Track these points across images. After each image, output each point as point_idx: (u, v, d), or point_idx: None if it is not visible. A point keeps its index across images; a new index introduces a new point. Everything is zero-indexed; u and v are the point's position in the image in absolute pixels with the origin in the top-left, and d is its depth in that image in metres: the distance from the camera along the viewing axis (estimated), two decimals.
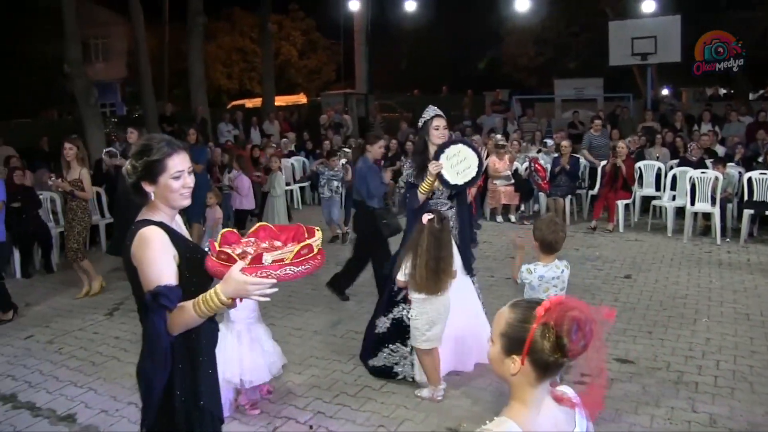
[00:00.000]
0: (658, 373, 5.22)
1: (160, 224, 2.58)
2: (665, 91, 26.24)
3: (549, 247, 4.28)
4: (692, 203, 9.92)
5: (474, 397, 4.87)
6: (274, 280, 2.30)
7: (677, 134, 13.25)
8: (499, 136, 13.08)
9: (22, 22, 24.20)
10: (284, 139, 15.94)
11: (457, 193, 5.17)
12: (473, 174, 5.04)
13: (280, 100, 25.61)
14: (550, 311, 1.77)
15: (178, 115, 18.48)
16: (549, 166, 11.56)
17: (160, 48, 25.02)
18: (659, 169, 11.21)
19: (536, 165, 11.36)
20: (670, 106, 18.95)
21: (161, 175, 2.59)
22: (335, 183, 10.34)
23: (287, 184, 13.52)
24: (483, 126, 17.96)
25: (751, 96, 23.86)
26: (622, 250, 9.42)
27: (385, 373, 5.18)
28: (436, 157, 5.00)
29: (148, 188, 2.60)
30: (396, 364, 5.17)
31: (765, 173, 9.73)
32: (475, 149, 5.10)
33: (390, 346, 5.18)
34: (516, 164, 11.88)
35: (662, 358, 5.51)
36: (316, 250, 2.43)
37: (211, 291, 2.37)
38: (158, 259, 2.48)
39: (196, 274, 2.58)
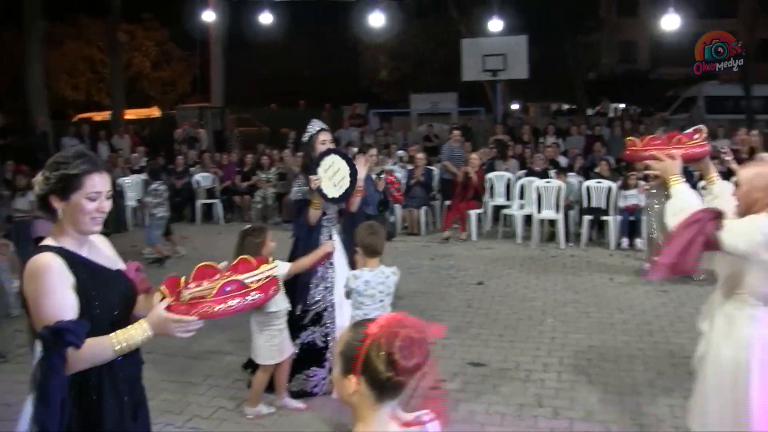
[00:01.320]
0: (509, 373, 5.43)
1: (60, 250, 2.34)
2: (514, 106, 27.55)
3: (371, 251, 4.23)
4: (539, 211, 10.48)
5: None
6: (193, 318, 2.24)
7: (525, 146, 13.93)
8: (355, 149, 13.20)
9: None
10: (134, 154, 15.33)
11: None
12: (347, 184, 4.90)
13: (132, 114, 24.61)
14: (381, 329, 1.76)
15: (13, 128, 17.31)
16: (400, 176, 11.82)
17: None
18: (509, 179, 11.73)
19: (389, 177, 11.57)
20: (518, 120, 19.92)
21: (75, 192, 2.35)
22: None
23: (138, 201, 13.08)
24: (340, 139, 18.09)
25: (589, 112, 25.48)
26: (475, 257, 9.76)
27: (303, 395, 5.00)
28: (313, 171, 4.86)
29: (57, 204, 2.36)
30: (315, 386, 5.00)
31: (601, 182, 10.42)
32: (346, 157, 5.02)
33: (305, 371, 5.00)
34: (373, 176, 12.01)
35: (512, 358, 5.74)
36: (255, 285, 2.35)
37: (137, 326, 2.27)
38: (55, 291, 2.26)
39: (99, 296, 2.37)
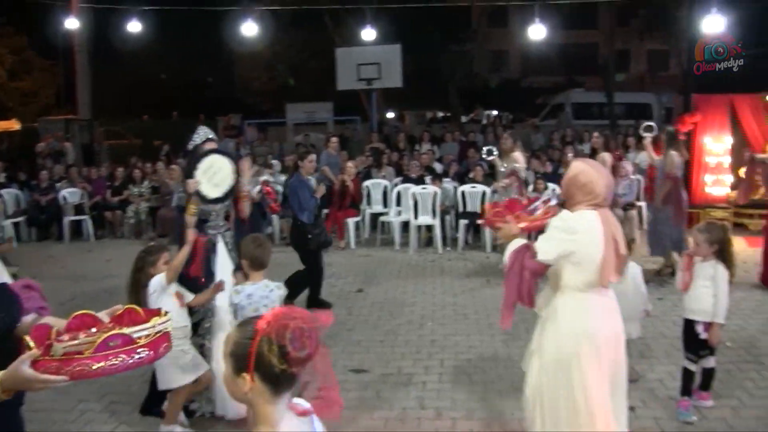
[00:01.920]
0: (391, 378, 5.46)
1: None
2: (390, 115, 27.92)
3: (257, 264, 4.13)
4: (416, 217, 10.63)
5: None
6: (64, 379, 1.96)
7: (401, 154, 14.13)
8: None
9: None
10: None
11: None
12: (230, 182, 4.77)
13: None
14: (270, 323, 1.76)
15: None
16: (279, 187, 11.71)
17: None
18: (385, 186, 11.84)
19: (266, 188, 11.44)
20: (394, 128, 20.20)
21: None
22: None
23: None
24: None
25: (463, 119, 26.18)
26: (354, 265, 9.79)
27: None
28: (191, 175, 4.72)
29: None
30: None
31: (475, 187, 10.70)
32: (227, 155, 4.90)
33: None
34: (248, 187, 11.83)
35: (394, 363, 5.77)
36: (143, 341, 2.08)
37: None
38: None
39: None
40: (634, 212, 10.27)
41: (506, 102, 30.01)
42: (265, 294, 4.06)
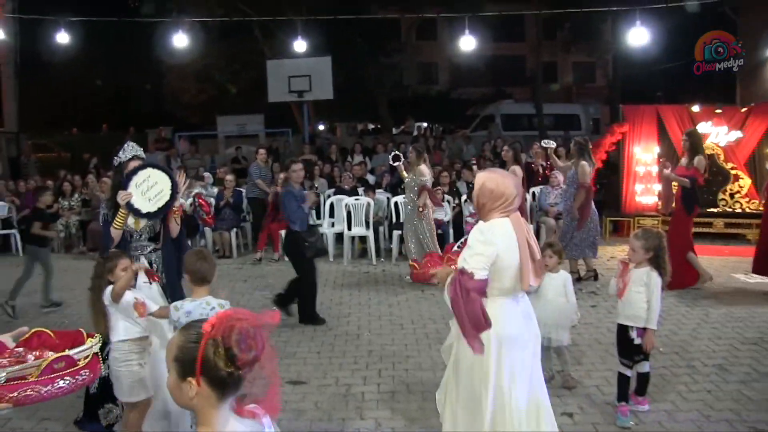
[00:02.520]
0: (329, 389, 5.46)
1: None
2: (321, 127, 27.95)
3: (199, 278, 3.96)
4: (349, 228, 10.67)
5: None
6: (10, 406, 1.90)
7: (333, 165, 14.16)
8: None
9: None
10: None
11: (158, 232, 4.84)
12: (167, 197, 4.65)
13: None
14: (216, 326, 1.75)
15: None
16: (213, 201, 11.62)
17: None
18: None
19: (200, 200, 11.34)
20: (326, 140, 20.21)
21: None
22: None
23: None
24: None
25: (394, 131, 26.41)
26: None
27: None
28: (125, 186, 4.60)
29: None
30: (113, 424, 4.62)
31: None
32: (166, 171, 4.79)
33: (106, 405, 4.61)
34: (181, 200, 11.68)
35: (331, 374, 5.79)
36: (83, 362, 2.04)
37: None
38: None
39: None
40: None
41: (436, 113, 30.39)
42: (205, 312, 3.83)
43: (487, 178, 3.54)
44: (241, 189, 12.17)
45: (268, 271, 10.25)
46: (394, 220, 10.87)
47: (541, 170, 12.09)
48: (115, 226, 4.60)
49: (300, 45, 16.04)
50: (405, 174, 9.45)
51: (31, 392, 1.92)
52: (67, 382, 1.99)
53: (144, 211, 4.64)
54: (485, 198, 3.49)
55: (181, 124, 24.86)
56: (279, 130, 21.80)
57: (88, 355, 2.09)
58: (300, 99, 18.11)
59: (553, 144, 9.72)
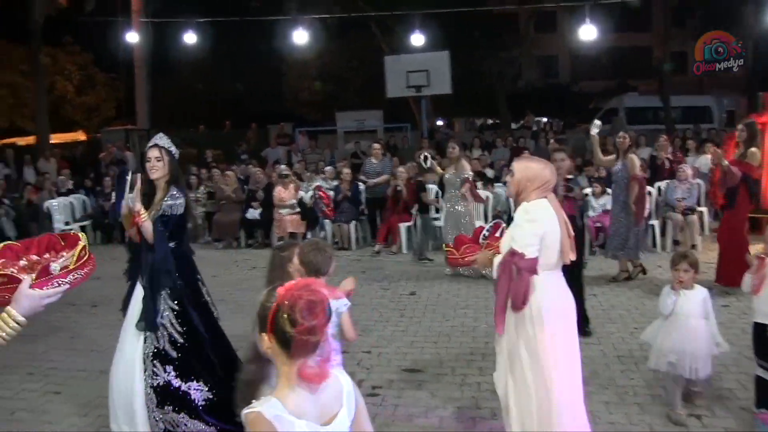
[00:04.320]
0: (445, 378, 5.46)
1: None
2: (440, 122, 27.95)
3: (313, 270, 3.84)
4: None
5: None
6: (66, 287, 2.28)
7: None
8: (283, 167, 13.18)
9: None
10: (60, 177, 15.01)
11: None
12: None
13: (57, 138, 24.02)
14: (287, 293, 2.00)
15: None
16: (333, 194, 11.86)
17: None
18: (437, 192, 11.82)
19: (321, 193, 11.59)
20: (444, 135, 20.21)
21: None
22: None
23: (66, 223, 12.78)
24: (268, 158, 18.03)
25: (513, 125, 26.06)
26: (407, 269, 9.81)
27: None
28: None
29: None
30: None
31: None
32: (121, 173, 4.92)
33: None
34: (301, 193, 12.02)
35: (447, 364, 5.77)
36: (88, 254, 2.40)
37: (4, 315, 2.19)
38: None
39: None
40: (694, 217, 10.03)
41: (557, 108, 29.72)
42: None
43: (526, 167, 3.84)
44: (359, 183, 12.34)
45: (386, 263, 10.34)
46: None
47: (667, 164, 11.58)
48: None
49: (417, 39, 16.12)
50: (440, 170, 9.74)
51: (78, 275, 2.34)
52: (87, 269, 2.40)
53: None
54: (526, 182, 3.76)
55: (302, 121, 25.51)
56: (397, 125, 21.99)
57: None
58: (418, 94, 18.20)
59: (596, 128, 8.97)
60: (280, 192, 11.57)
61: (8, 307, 2.20)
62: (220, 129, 24.91)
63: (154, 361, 4.42)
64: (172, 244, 4.60)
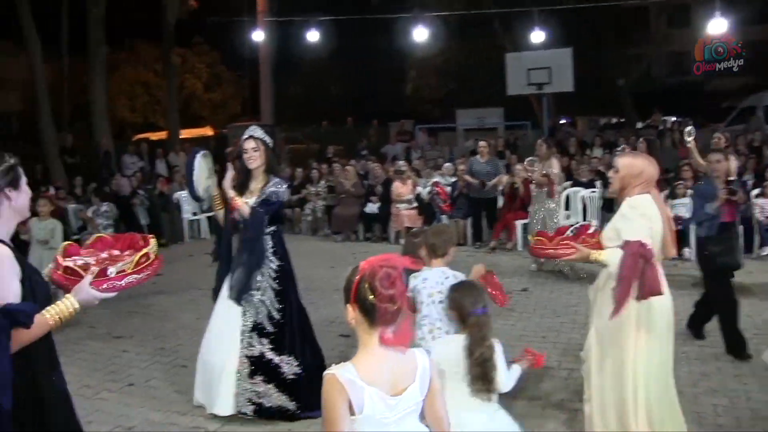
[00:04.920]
0: (551, 371, 5.56)
1: (4, 242, 2.53)
2: (563, 121, 27.46)
3: (433, 251, 4.25)
4: (584, 220, 10.51)
5: None
6: (120, 288, 2.60)
7: (571, 158, 13.99)
8: (401, 163, 13.46)
9: None
10: None
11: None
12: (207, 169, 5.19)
13: (186, 133, 25.41)
14: (370, 264, 2.21)
15: (80, 148, 18.20)
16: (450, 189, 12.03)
17: (59, 79, 24.42)
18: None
19: (438, 188, 11.79)
20: (566, 133, 19.92)
21: (21, 180, 2.60)
22: None
23: (194, 214, 13.57)
24: (387, 154, 18.40)
25: (639, 125, 25.26)
26: (521, 266, 9.86)
27: None
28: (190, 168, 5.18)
29: (11, 195, 2.56)
30: None
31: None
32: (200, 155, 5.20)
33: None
34: (419, 188, 12.27)
35: (554, 358, 5.85)
36: (153, 258, 2.68)
37: (66, 301, 2.52)
38: (5, 278, 2.45)
39: (35, 294, 2.54)
40: None
41: (687, 106, 28.48)
42: (440, 281, 4.13)
43: (630, 163, 3.92)
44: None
45: (501, 259, 10.42)
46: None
47: None
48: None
49: (538, 36, 15.99)
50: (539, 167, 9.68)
51: (132, 279, 2.61)
52: (146, 273, 2.66)
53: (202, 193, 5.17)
54: (631, 178, 3.84)
55: (422, 118, 25.77)
56: (518, 123, 21.86)
57: (155, 252, 2.71)
58: (539, 92, 18.06)
59: (689, 135, 8.46)
60: (398, 187, 11.86)
61: (69, 295, 2.55)
62: (342, 125, 25.53)
63: (252, 333, 4.84)
64: (273, 228, 4.99)
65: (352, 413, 2.16)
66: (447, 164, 14.07)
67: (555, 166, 9.46)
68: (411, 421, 2.29)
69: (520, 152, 15.64)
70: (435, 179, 12.82)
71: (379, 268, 2.19)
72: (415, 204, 11.91)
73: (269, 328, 4.85)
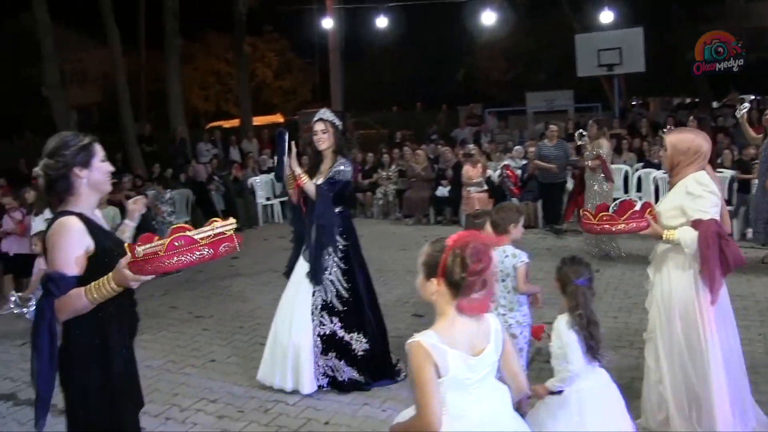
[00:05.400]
0: (622, 350, 5.67)
1: (80, 215, 2.68)
2: (634, 102, 26.93)
3: (495, 227, 4.42)
4: (656, 201, 10.37)
5: None
6: (154, 274, 2.49)
7: (643, 140, 13.80)
8: (470, 146, 13.51)
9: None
10: (262, 156, 16.31)
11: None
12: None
13: (258, 121, 25.97)
14: (457, 241, 2.32)
15: (157, 136, 18.86)
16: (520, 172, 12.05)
17: (136, 71, 25.25)
18: (626, 171, 11.68)
19: (508, 171, 11.83)
20: (638, 115, 19.58)
21: (94, 158, 2.75)
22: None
23: (267, 199, 13.97)
24: (457, 138, 18.46)
25: (714, 104, 24.58)
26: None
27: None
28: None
29: (81, 173, 2.71)
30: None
31: (722, 171, 10.22)
32: (280, 138, 5.37)
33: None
34: (489, 171, 12.32)
35: (626, 338, 5.96)
36: (207, 240, 2.50)
37: (104, 278, 2.53)
38: (67, 248, 2.60)
39: (113, 255, 2.63)
40: None
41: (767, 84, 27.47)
42: (501, 257, 4.31)
43: (678, 140, 3.85)
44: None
45: (572, 241, 10.43)
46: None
47: None
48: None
49: (607, 16, 15.75)
50: (589, 147, 9.62)
51: (160, 263, 2.43)
52: (186, 257, 2.45)
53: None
54: (680, 156, 3.80)
55: (491, 101, 25.66)
56: (588, 105, 21.58)
57: (211, 236, 2.51)
58: (609, 73, 17.80)
59: (742, 110, 8.46)
60: (468, 170, 11.92)
61: (110, 274, 2.53)
62: (411, 110, 25.63)
63: (322, 313, 5.09)
64: (339, 208, 5.18)
65: (439, 376, 2.31)
66: (517, 147, 14.07)
67: (604, 147, 9.43)
68: (490, 379, 2.45)
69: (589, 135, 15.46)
70: (505, 162, 12.85)
71: (467, 243, 2.30)
72: (486, 187, 11.95)
73: (339, 306, 5.10)
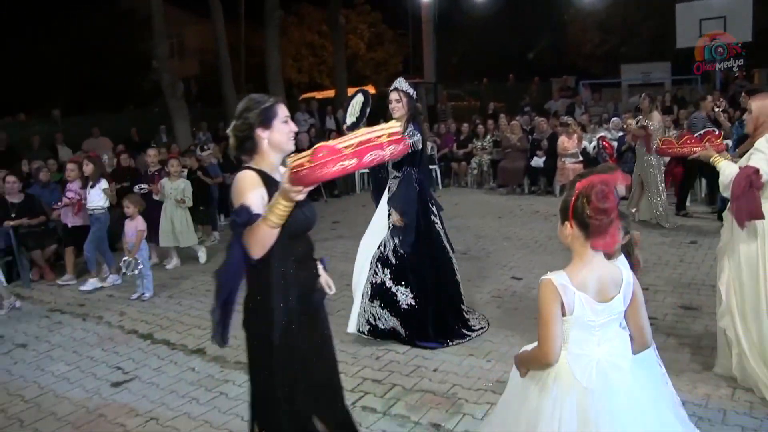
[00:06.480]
0: (705, 316, 5.76)
1: (259, 171, 2.82)
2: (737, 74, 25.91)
3: None
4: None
5: None
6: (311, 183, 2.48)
7: (744, 112, 13.44)
8: (566, 117, 13.54)
9: (105, 24, 25.72)
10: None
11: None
12: (359, 108, 5.54)
13: (352, 92, 26.35)
14: (584, 183, 2.46)
15: None
16: (616, 144, 12.02)
17: (236, 43, 26.02)
18: (726, 145, 11.46)
19: (604, 143, 11.83)
20: (740, 87, 18.94)
21: (275, 119, 2.87)
22: None
23: None
24: (550, 110, 18.40)
25: None
26: (690, 220, 9.85)
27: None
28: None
29: (263, 134, 2.85)
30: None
31: None
32: (361, 92, 5.63)
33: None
34: (584, 143, 12.35)
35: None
36: (350, 150, 2.47)
37: (274, 199, 2.55)
38: (246, 191, 2.72)
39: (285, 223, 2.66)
40: None
41: None
42: None
43: (761, 102, 4.18)
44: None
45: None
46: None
47: None
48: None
49: None
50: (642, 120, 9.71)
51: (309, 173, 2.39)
52: (337, 165, 2.42)
53: (348, 123, 5.64)
54: (764, 117, 4.14)
55: (584, 73, 25.26)
56: (687, 77, 21.00)
57: (353, 144, 2.49)
58: (713, 43, 17.28)
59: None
60: (563, 141, 12.01)
61: (277, 193, 2.55)
62: (503, 82, 25.56)
63: (377, 263, 5.52)
64: (406, 169, 5.49)
65: (563, 314, 2.51)
66: (614, 119, 13.98)
67: (655, 120, 9.51)
68: (613, 326, 2.62)
69: (688, 108, 15.18)
70: (601, 134, 12.84)
71: (593, 184, 2.43)
72: (581, 158, 12.01)
73: (392, 260, 5.48)
